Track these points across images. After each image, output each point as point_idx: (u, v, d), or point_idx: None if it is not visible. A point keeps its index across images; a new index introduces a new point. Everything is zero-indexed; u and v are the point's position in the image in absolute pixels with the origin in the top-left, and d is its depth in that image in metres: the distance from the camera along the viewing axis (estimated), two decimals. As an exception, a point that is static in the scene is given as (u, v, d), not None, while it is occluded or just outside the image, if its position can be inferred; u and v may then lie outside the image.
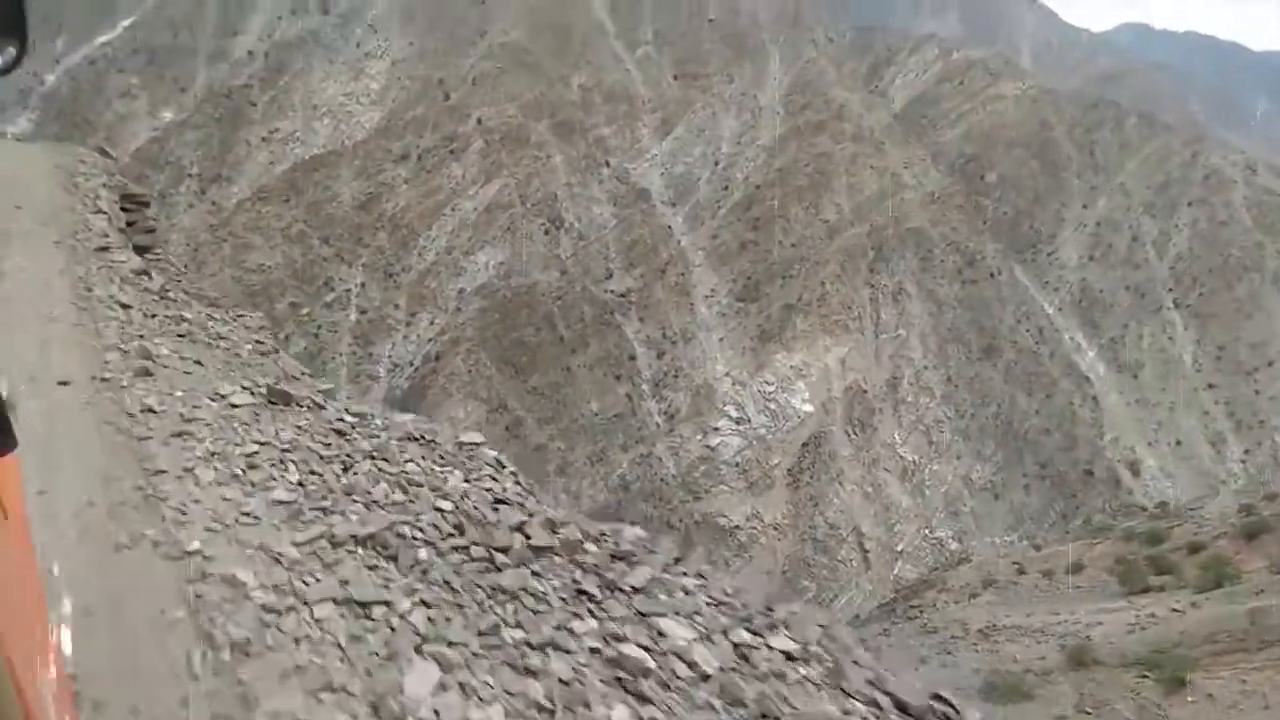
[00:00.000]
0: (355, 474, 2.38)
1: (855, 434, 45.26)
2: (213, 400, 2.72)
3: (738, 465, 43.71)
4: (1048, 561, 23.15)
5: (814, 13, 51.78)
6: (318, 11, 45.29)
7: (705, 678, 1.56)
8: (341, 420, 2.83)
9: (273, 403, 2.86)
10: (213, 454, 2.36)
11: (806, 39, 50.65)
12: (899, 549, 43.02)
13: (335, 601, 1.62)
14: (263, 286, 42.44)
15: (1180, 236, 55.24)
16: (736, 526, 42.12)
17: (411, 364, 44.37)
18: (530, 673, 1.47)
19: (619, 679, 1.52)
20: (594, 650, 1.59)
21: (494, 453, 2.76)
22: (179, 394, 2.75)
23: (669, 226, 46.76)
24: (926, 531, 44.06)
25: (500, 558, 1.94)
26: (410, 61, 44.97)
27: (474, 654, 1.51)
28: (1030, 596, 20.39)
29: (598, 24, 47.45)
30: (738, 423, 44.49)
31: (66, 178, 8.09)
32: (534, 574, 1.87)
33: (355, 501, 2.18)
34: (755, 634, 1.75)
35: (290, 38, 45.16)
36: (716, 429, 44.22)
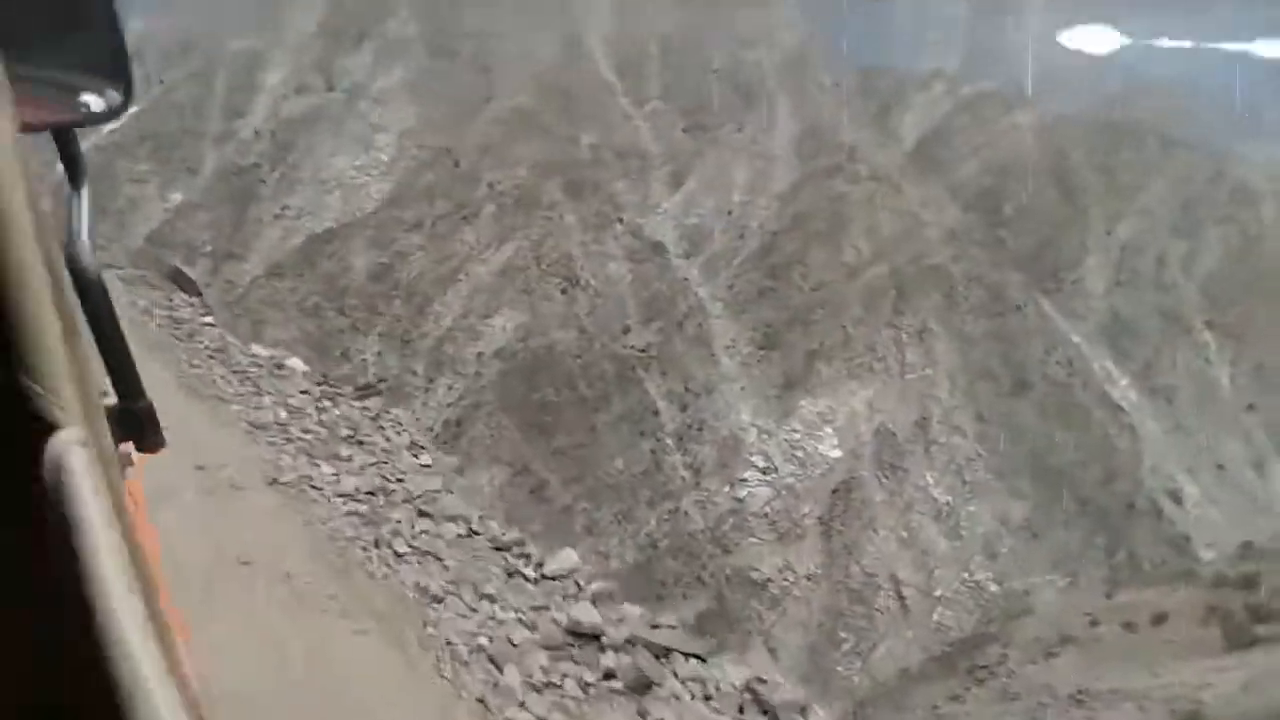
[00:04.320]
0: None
1: (886, 478, 53.52)
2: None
3: (767, 516, 51.53)
4: (1124, 612, 23.40)
5: (818, 58, 61.57)
6: (323, 89, 55.04)
7: None
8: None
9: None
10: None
11: (813, 83, 60.59)
12: (938, 594, 50.56)
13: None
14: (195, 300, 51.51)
15: (1209, 255, 64.31)
16: (769, 580, 49.65)
17: (432, 430, 52.45)
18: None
19: None
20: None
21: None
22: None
23: (685, 278, 55.81)
24: (965, 575, 51.83)
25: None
26: (418, 131, 54.39)
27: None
28: (1117, 654, 20.38)
29: (604, 83, 57.05)
30: (765, 473, 52.59)
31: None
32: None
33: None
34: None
35: (296, 115, 54.65)
36: (744, 480, 52.27)
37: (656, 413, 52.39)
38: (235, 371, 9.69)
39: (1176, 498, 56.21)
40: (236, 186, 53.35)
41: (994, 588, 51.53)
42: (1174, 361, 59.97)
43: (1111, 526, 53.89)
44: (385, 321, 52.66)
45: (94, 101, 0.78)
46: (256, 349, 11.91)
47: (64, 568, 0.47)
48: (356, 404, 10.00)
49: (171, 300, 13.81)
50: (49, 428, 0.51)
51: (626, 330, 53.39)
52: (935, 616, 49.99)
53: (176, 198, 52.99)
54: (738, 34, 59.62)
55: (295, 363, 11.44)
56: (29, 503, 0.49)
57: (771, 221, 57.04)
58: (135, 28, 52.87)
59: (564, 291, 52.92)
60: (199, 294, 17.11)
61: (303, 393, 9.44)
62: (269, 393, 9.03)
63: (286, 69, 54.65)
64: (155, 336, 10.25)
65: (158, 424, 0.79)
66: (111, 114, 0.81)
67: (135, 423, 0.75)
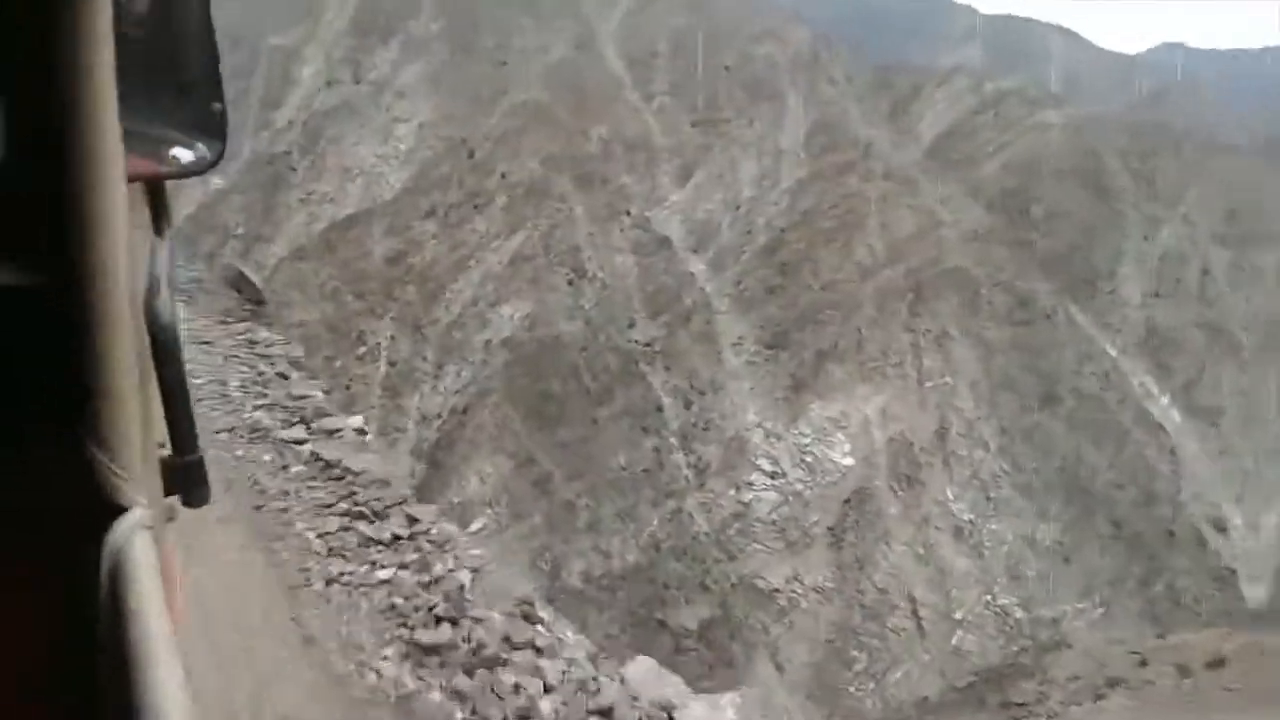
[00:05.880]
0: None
1: (902, 490, 37.87)
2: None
3: (774, 523, 37.13)
4: (1178, 653, 18.63)
5: (831, 52, 46.13)
6: (351, 81, 43.09)
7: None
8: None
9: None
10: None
11: (824, 79, 45.05)
12: (957, 616, 35.16)
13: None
14: (301, 340, 38.89)
15: (1255, 268, 45.80)
16: (776, 590, 35.40)
17: (439, 416, 39.76)
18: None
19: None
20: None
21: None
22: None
23: (692, 273, 41.45)
24: (988, 598, 35.93)
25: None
26: (436, 123, 42.29)
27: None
28: (1172, 700, 16.18)
29: (614, 78, 43.68)
30: (772, 477, 38.01)
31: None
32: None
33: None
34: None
35: (327, 107, 43.16)
36: (750, 483, 37.88)
37: (660, 409, 38.30)
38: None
39: (1220, 526, 38.37)
40: (268, 173, 41.71)
41: (1020, 613, 35.29)
42: (1219, 380, 41.45)
43: (1149, 554, 36.82)
44: (399, 306, 40.05)
45: (184, 155, 0.61)
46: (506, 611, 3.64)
47: (110, 660, 0.36)
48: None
49: (276, 371, 6.03)
50: (113, 505, 0.40)
51: (632, 324, 39.31)
52: (954, 640, 34.31)
53: (216, 184, 41.32)
54: (748, 30, 44.42)
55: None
56: (88, 585, 0.38)
57: (780, 218, 42.02)
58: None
59: (571, 283, 39.17)
60: (262, 301, 9.54)
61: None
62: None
63: (319, 63, 42.84)
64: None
65: (207, 479, 0.62)
66: (202, 168, 0.64)
67: (186, 477, 0.59)
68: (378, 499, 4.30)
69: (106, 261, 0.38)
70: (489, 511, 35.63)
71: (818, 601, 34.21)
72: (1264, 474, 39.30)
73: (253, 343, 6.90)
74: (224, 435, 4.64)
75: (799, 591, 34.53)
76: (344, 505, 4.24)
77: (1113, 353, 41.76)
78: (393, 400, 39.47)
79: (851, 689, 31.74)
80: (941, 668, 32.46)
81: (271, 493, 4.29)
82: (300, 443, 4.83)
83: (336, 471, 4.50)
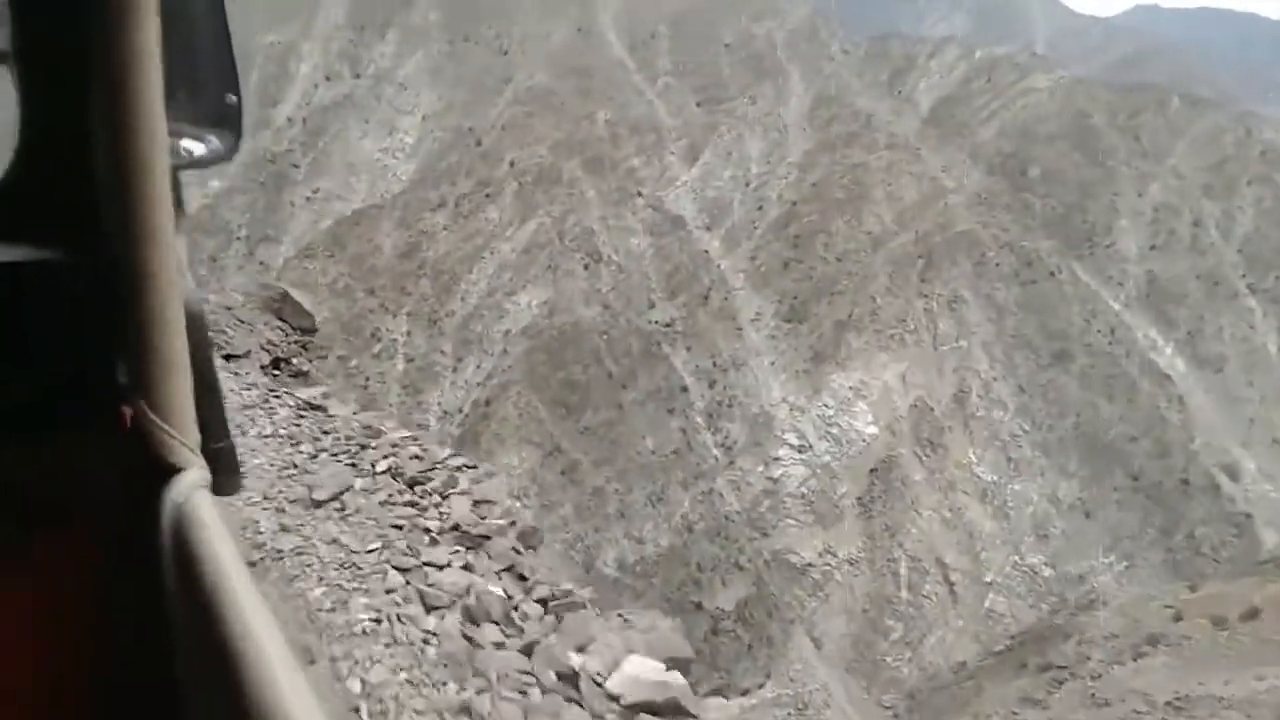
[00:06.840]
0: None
1: (926, 456, 38.55)
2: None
3: (803, 497, 37.49)
4: (1210, 605, 18.34)
5: (828, 28, 46.82)
6: (350, 76, 42.48)
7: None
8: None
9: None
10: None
11: (823, 54, 45.68)
12: (988, 580, 35.87)
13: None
14: (313, 342, 38.20)
15: (1245, 217, 47.70)
16: (809, 564, 35.64)
17: (461, 410, 39.47)
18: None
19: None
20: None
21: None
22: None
23: (706, 251, 41.74)
24: (1016, 558, 36.69)
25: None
26: (440, 114, 41.87)
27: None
28: (1212, 654, 15.91)
29: (617, 61, 43.72)
30: (799, 451, 38.41)
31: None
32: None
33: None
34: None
35: (327, 102, 42.50)
36: (778, 459, 38.22)
37: (685, 389, 38.47)
38: None
39: (1233, 473, 39.62)
40: (271, 172, 40.89)
41: (1047, 571, 36.15)
42: (1220, 328, 43.02)
43: (1167, 505, 37.95)
44: (413, 301, 39.73)
45: (196, 148, 0.61)
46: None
47: (194, 613, 0.37)
48: None
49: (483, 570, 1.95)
50: (171, 468, 0.43)
51: (651, 305, 39.44)
52: (986, 603, 34.85)
53: (215, 185, 40.51)
54: (747, 8, 44.90)
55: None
56: (155, 549, 0.40)
57: (790, 191, 42.57)
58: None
59: (587, 267, 39.18)
60: (314, 329, 7.03)
61: None
62: None
63: (316, 58, 42.08)
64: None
65: (238, 467, 0.62)
66: (215, 161, 0.64)
67: (217, 464, 0.57)
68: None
69: (159, 234, 0.41)
70: (517, 505, 35.24)
71: (851, 573, 34.49)
72: (1270, 417, 40.63)
73: (362, 445, 3.32)
74: None
75: (832, 564, 34.80)
76: None
77: (1116, 307, 42.99)
78: (413, 398, 39.00)
79: (889, 659, 31.89)
80: (975, 632, 32.84)
81: None
82: None
83: None
